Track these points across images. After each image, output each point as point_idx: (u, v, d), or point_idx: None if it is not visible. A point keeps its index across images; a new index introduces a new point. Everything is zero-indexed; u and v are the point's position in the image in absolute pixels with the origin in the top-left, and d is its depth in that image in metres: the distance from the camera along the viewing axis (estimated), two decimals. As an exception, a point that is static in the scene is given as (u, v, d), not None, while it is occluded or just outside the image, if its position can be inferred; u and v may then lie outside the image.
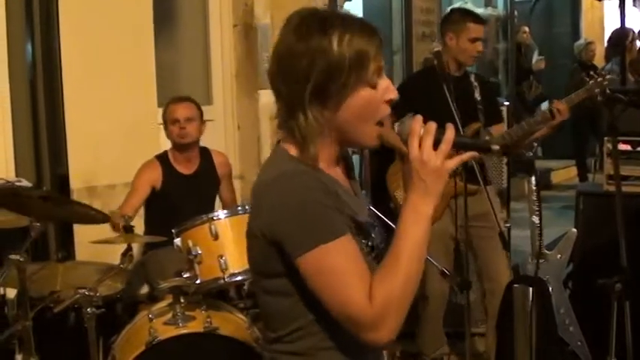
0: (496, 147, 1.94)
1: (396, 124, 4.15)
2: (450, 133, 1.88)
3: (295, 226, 1.83)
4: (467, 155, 1.92)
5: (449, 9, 5.53)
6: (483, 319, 4.94)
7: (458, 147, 1.91)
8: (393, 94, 1.98)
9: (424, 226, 1.87)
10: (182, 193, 4.64)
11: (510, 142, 4.51)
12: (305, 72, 1.88)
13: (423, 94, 4.55)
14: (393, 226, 2.19)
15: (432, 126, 1.88)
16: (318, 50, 1.88)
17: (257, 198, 1.94)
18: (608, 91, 4.33)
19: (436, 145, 1.87)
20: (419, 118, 1.91)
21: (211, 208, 4.70)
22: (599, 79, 4.39)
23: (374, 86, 1.94)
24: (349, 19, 1.95)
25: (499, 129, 4.82)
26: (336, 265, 1.82)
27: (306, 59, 1.88)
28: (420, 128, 1.89)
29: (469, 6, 10.45)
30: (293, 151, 1.96)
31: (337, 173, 2.05)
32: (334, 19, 1.92)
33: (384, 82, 1.96)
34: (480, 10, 10.77)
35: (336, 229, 1.84)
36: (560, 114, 4.43)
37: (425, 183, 1.86)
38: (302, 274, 1.85)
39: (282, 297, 1.95)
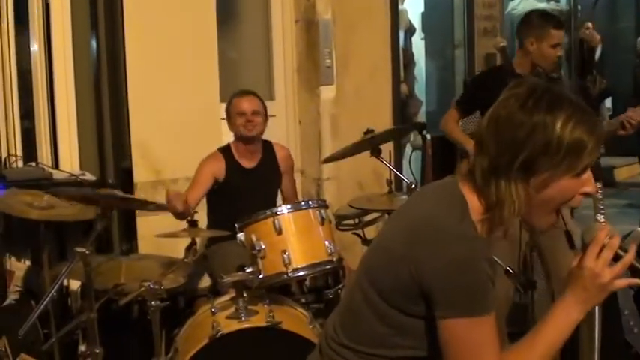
0: None
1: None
2: (629, 256, 1.91)
3: (456, 288, 1.85)
4: (635, 281, 1.97)
5: (515, 6, 5.47)
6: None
7: (632, 270, 1.94)
8: (591, 189, 1.97)
9: (567, 330, 1.93)
10: (244, 186, 4.65)
11: None
12: (521, 143, 1.88)
13: (490, 92, 4.50)
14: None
15: (616, 241, 1.92)
16: (540, 126, 1.87)
17: (423, 237, 1.92)
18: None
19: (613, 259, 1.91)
20: (606, 227, 1.94)
21: (273, 202, 4.71)
22: None
23: (578, 177, 1.93)
24: (578, 105, 1.93)
25: None
26: (477, 339, 1.87)
27: (526, 131, 1.87)
28: (604, 238, 1.92)
29: (531, 2, 10.37)
30: (472, 203, 1.96)
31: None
32: (563, 102, 1.91)
33: (586, 174, 1.95)
34: (542, 5, 10.65)
35: (489, 305, 1.88)
36: (632, 127, 4.35)
37: (587, 293, 1.92)
38: (441, 333, 1.88)
39: (387, 325, 1.97)
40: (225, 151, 4.72)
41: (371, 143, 4.21)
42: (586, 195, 1.97)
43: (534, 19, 4.71)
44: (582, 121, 1.90)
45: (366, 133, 4.21)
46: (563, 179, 1.90)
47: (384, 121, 6.29)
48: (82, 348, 4.06)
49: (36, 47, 5.07)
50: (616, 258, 1.91)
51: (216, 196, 4.63)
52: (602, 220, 4.11)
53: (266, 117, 4.72)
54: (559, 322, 1.92)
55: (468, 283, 1.84)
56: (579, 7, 11.15)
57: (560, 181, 1.90)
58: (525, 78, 4.32)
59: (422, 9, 9.16)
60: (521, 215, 1.97)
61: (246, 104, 4.64)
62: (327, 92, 6.10)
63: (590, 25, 11.19)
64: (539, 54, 4.60)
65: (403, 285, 1.91)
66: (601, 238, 1.91)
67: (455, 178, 2.02)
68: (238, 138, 4.70)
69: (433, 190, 2.11)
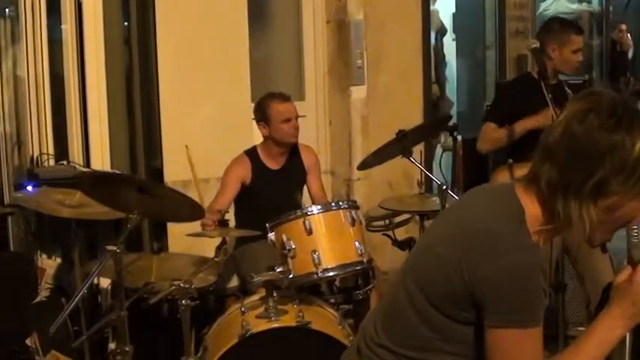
0: None
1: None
2: None
3: (510, 299, 1.83)
4: None
5: (547, 7, 5.46)
6: (577, 321, 4.83)
7: None
8: None
9: (609, 346, 1.88)
10: (271, 187, 4.66)
11: None
12: (598, 161, 1.83)
13: (520, 100, 4.54)
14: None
15: None
16: (619, 146, 1.82)
17: (478, 244, 1.89)
18: None
19: None
20: None
21: (298, 203, 4.72)
22: None
23: None
24: None
25: None
26: (526, 351, 1.85)
27: (604, 149, 1.83)
28: None
29: (563, 3, 10.29)
30: (531, 210, 1.92)
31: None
32: None
33: None
34: (574, 6, 10.57)
35: (540, 317, 1.85)
36: None
37: (635, 308, 1.88)
38: (489, 341, 1.86)
39: (431, 330, 1.95)
40: (251, 153, 4.73)
41: (402, 143, 4.20)
42: None
43: (555, 26, 4.79)
44: None
45: (398, 134, 4.19)
46: (634, 201, 1.87)
47: (414, 122, 6.20)
48: (112, 346, 4.08)
49: (68, 46, 5.10)
50: None
51: (243, 197, 4.65)
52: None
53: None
54: (602, 337, 1.88)
55: (521, 293, 1.82)
56: (611, 8, 11.04)
57: (629, 203, 1.86)
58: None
59: (453, 9, 9.12)
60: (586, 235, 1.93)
61: (292, 110, 4.67)
62: (358, 93, 6.08)
63: (623, 27, 11.11)
64: (562, 59, 4.68)
65: (454, 292, 1.89)
66: None
67: (511, 184, 1.99)
68: (277, 142, 4.70)
69: (487, 195, 2.07)
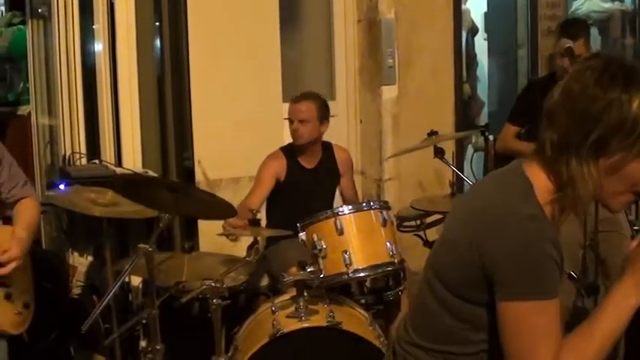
0: None
1: None
2: None
3: (522, 272, 1.80)
4: None
5: (579, 6, 5.42)
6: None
7: None
8: None
9: (626, 317, 1.83)
10: (304, 186, 4.66)
11: None
12: (595, 119, 1.82)
13: (536, 99, 4.50)
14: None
15: None
16: (616, 103, 1.81)
17: (486, 222, 1.88)
18: None
19: None
20: None
21: (330, 203, 4.71)
22: None
23: None
24: None
25: None
26: (538, 324, 1.80)
27: (600, 106, 1.82)
28: None
29: (595, 2, 10.20)
30: (539, 183, 1.91)
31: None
32: None
33: None
34: (606, 5, 10.46)
35: (553, 288, 1.82)
36: None
37: None
38: (501, 315, 1.83)
39: (457, 319, 1.94)
40: (288, 150, 4.73)
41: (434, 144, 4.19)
42: None
43: (558, 27, 4.87)
44: None
45: (429, 135, 4.18)
46: (635, 162, 1.84)
47: (446, 122, 6.24)
48: (143, 344, 4.10)
49: (100, 46, 5.13)
50: None
51: (276, 195, 4.65)
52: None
53: (323, 123, 4.70)
54: (617, 308, 1.82)
55: (530, 264, 1.79)
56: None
57: (632, 163, 1.84)
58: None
59: (485, 9, 9.06)
60: (595, 196, 1.91)
61: (295, 112, 4.64)
62: (389, 92, 6.06)
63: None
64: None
65: (470, 275, 1.88)
66: None
67: (519, 161, 1.98)
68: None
69: (493, 176, 2.07)
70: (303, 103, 4.65)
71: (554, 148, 1.88)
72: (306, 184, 4.68)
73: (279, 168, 4.65)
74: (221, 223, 4.14)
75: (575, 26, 4.88)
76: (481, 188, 2.09)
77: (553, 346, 1.80)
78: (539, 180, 1.91)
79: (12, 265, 3.12)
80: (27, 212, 3.36)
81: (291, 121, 4.65)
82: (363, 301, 3.87)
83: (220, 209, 3.58)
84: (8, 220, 3.40)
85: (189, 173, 5.17)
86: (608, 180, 1.86)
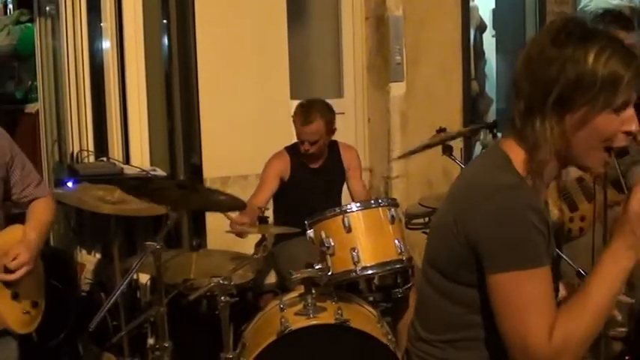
0: None
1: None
2: None
3: (503, 242, 1.79)
4: None
5: (587, 3, 5.36)
6: (621, 322, 4.76)
7: None
8: (635, 127, 1.89)
9: (620, 279, 1.80)
10: (309, 185, 4.66)
11: None
12: (553, 79, 1.83)
13: None
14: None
15: None
16: (571, 60, 1.82)
17: (466, 198, 1.89)
18: None
19: None
20: None
21: (337, 201, 4.70)
22: None
23: (618, 113, 1.86)
24: (613, 39, 1.87)
25: None
26: (528, 294, 1.78)
27: (557, 66, 1.83)
28: None
29: (604, -3, 10.15)
30: (516, 155, 1.91)
31: (546, 191, 1.99)
32: (597, 35, 1.86)
33: (627, 112, 1.88)
34: (615, 2, 10.43)
35: (541, 257, 1.80)
36: None
37: (635, 237, 1.79)
38: (490, 290, 1.82)
39: (456, 304, 1.93)
40: (292, 149, 4.73)
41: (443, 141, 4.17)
42: (629, 134, 1.88)
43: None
44: (617, 54, 1.83)
45: (438, 132, 4.16)
46: (601, 115, 1.83)
47: (454, 119, 6.22)
48: (151, 341, 4.10)
49: (108, 44, 5.14)
50: None
51: (282, 194, 4.65)
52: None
53: (331, 129, 4.69)
54: (609, 273, 1.79)
55: (510, 234, 1.78)
56: (655, 4, 10.90)
57: (598, 117, 1.83)
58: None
59: (493, 5, 9.05)
60: (567, 158, 1.91)
61: (307, 134, 4.62)
62: (397, 89, 6.05)
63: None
64: None
65: (457, 254, 1.88)
66: None
67: (497, 140, 1.99)
68: None
69: (476, 159, 2.08)
70: (313, 124, 4.60)
71: (522, 117, 1.89)
72: (311, 182, 4.68)
73: (283, 167, 4.65)
74: (228, 221, 4.15)
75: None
76: (464, 172, 2.10)
77: (546, 316, 1.77)
78: (516, 153, 1.91)
79: (22, 271, 3.11)
80: (39, 213, 3.35)
81: (301, 140, 4.64)
82: (371, 298, 3.85)
83: (228, 203, 3.58)
84: (15, 218, 3.39)
85: (197, 170, 5.17)
86: (577, 136, 1.85)
